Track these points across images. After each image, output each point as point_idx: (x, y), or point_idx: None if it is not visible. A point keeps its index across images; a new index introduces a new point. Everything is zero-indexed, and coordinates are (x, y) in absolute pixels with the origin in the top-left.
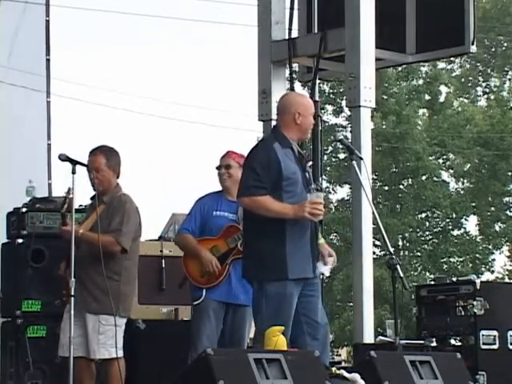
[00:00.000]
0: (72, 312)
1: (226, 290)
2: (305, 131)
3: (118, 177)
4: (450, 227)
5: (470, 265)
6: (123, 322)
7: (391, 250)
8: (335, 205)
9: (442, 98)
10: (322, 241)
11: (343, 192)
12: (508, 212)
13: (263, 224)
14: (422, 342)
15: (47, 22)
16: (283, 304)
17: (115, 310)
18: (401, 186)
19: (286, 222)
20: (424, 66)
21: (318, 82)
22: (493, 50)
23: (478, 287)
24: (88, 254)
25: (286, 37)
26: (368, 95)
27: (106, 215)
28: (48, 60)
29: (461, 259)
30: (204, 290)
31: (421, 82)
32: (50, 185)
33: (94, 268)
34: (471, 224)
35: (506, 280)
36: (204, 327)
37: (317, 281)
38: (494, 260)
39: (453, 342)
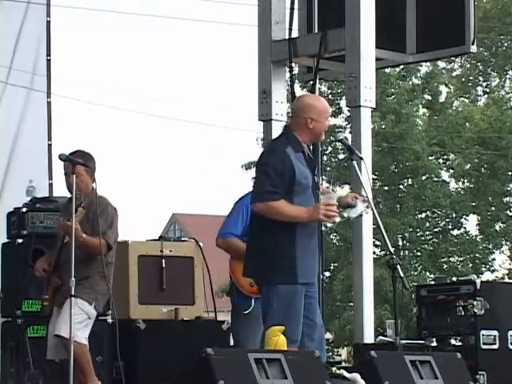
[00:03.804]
0: (72, 311)
1: None
2: (318, 135)
3: (93, 181)
4: (450, 227)
5: (470, 264)
6: (95, 315)
7: (391, 249)
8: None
9: (441, 98)
10: (339, 193)
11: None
12: (508, 212)
13: (274, 226)
14: (422, 341)
15: (48, 22)
16: (294, 303)
17: (94, 300)
18: (401, 186)
19: (297, 224)
20: (422, 65)
21: (318, 81)
22: (493, 49)
23: (479, 287)
24: (75, 254)
25: (287, 37)
26: (368, 95)
27: (87, 219)
28: (49, 60)
29: (461, 259)
30: (253, 300)
31: (419, 81)
32: (50, 185)
33: (76, 267)
34: (471, 224)
35: (506, 280)
36: (254, 338)
37: (316, 283)
38: (494, 260)
39: (453, 341)
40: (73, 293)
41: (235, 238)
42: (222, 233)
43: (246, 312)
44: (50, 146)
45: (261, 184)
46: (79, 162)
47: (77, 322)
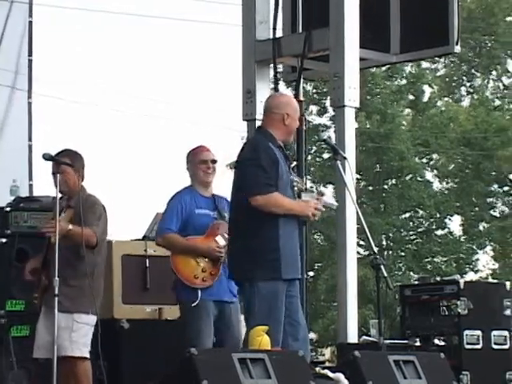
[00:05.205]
0: (56, 311)
1: (220, 289)
2: (290, 133)
3: (82, 179)
4: (434, 227)
5: (454, 265)
6: (95, 320)
7: (375, 249)
8: None
9: (425, 98)
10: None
11: (327, 192)
12: (492, 212)
13: (257, 222)
14: (405, 341)
15: (30, 22)
16: (276, 303)
17: (90, 307)
18: (385, 186)
19: (279, 220)
20: (407, 65)
21: (302, 81)
22: (477, 50)
23: (462, 287)
24: (60, 255)
25: (271, 36)
26: (352, 95)
27: (75, 217)
28: (30, 61)
29: (445, 259)
30: (199, 291)
31: (404, 81)
32: (30, 186)
33: (65, 268)
34: (455, 224)
35: (490, 280)
36: (205, 328)
37: (297, 282)
38: (477, 260)
39: (437, 341)
40: (56, 292)
41: (173, 233)
42: (159, 231)
43: (194, 304)
44: (30, 146)
45: (254, 178)
46: (63, 162)
47: (81, 336)
